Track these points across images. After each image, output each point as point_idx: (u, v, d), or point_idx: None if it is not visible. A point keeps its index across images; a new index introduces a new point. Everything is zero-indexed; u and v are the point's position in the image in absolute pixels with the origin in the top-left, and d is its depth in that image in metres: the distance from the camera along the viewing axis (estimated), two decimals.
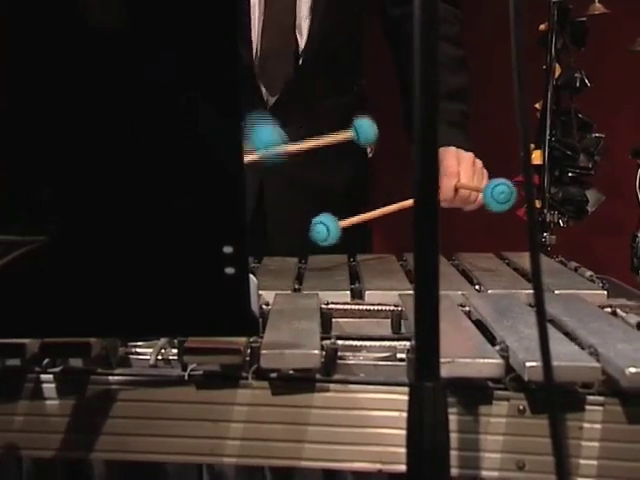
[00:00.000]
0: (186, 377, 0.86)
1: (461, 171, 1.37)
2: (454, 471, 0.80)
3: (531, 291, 0.67)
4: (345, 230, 1.28)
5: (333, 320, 1.05)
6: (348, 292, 1.14)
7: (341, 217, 1.27)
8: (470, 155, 1.40)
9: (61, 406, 0.87)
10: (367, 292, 1.13)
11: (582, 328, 0.93)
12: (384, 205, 1.36)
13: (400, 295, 1.08)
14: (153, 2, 0.65)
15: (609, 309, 1.08)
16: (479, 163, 1.41)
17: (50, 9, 0.65)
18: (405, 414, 0.68)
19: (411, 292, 0.67)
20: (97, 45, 0.66)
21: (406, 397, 0.68)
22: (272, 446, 0.85)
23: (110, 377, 0.88)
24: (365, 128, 1.27)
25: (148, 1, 0.65)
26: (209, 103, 0.66)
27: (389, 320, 1.05)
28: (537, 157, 2.10)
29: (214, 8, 0.64)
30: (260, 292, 1.06)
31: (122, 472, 0.98)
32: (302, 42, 1.51)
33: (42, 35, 0.66)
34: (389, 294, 1.11)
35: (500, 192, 1.22)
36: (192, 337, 0.85)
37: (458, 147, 1.41)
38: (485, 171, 1.42)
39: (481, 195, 1.33)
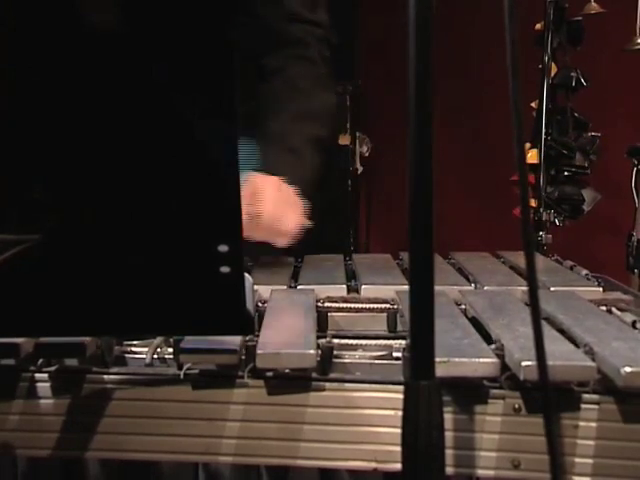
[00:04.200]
0: (182, 376, 0.86)
1: (263, 196, 1.21)
2: (449, 470, 0.80)
3: (526, 288, 0.67)
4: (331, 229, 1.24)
5: (329, 315, 1.05)
6: (344, 287, 1.14)
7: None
8: (275, 180, 1.24)
9: (56, 405, 0.87)
10: (363, 287, 1.13)
11: (577, 326, 0.93)
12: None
13: (397, 292, 1.08)
14: (150, 5, 0.65)
15: (604, 307, 1.08)
16: (289, 191, 1.25)
17: (46, 11, 0.65)
18: (401, 413, 0.68)
19: (407, 288, 0.67)
20: (93, 46, 0.66)
21: (402, 396, 0.68)
22: (268, 445, 0.85)
23: (105, 376, 0.87)
24: None
25: (145, 4, 0.65)
26: (205, 103, 0.66)
27: (385, 314, 1.05)
28: (533, 156, 2.10)
29: (210, 11, 0.64)
30: (256, 287, 1.06)
31: (117, 471, 0.98)
32: None
33: (37, 37, 0.66)
34: (385, 289, 1.11)
35: None
36: (188, 336, 0.85)
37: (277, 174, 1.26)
38: (300, 202, 1.25)
39: (293, 222, 1.21)
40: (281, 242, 1.25)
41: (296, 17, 1.42)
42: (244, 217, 1.19)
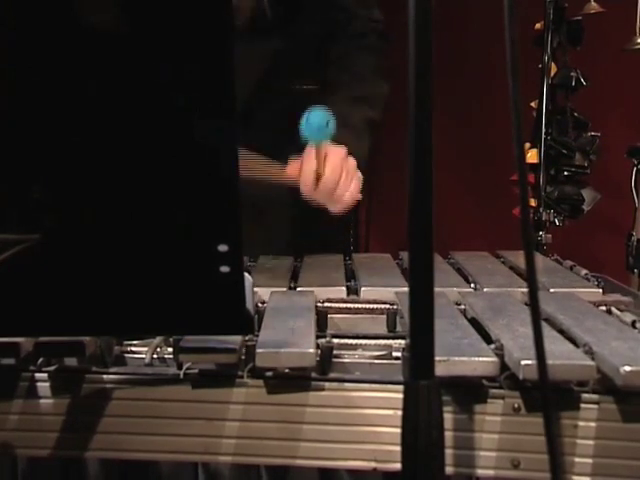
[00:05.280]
0: (181, 376, 0.86)
1: (327, 161, 1.28)
2: (449, 469, 0.80)
3: (526, 289, 0.67)
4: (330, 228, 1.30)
5: (329, 316, 1.05)
6: (344, 288, 1.15)
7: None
8: (342, 149, 1.31)
9: (56, 405, 0.87)
10: (363, 288, 1.13)
11: (577, 326, 0.93)
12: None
13: (396, 293, 1.08)
14: (150, 6, 0.65)
15: (604, 307, 1.08)
16: (352, 162, 1.32)
17: (45, 12, 0.65)
18: (400, 412, 0.68)
19: (407, 289, 0.67)
20: (93, 47, 0.66)
21: (401, 395, 0.68)
22: (267, 444, 0.85)
23: (105, 376, 0.87)
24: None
25: (145, 5, 0.65)
26: (205, 103, 0.66)
27: (385, 316, 1.05)
28: (533, 156, 2.10)
29: (210, 12, 0.64)
30: (255, 289, 1.06)
31: (117, 471, 0.98)
32: None
33: (37, 36, 0.66)
34: (385, 290, 1.11)
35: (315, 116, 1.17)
36: (187, 336, 0.85)
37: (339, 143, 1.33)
38: (359, 175, 1.34)
39: (351, 192, 1.29)
40: (336, 209, 1.33)
41: (356, 14, 1.55)
42: (309, 176, 1.27)
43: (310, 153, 1.29)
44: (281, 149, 1.55)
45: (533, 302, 0.66)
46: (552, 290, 1.14)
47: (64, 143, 0.68)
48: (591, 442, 0.82)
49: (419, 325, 0.66)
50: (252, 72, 1.49)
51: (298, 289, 1.16)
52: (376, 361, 0.91)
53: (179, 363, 0.86)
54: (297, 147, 1.55)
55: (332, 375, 0.87)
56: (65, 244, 0.70)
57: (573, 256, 1.40)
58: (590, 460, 0.82)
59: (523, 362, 0.79)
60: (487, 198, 2.70)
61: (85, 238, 0.69)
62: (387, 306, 1.06)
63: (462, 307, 1.06)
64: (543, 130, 2.09)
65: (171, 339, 0.89)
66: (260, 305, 1.05)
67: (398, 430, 0.68)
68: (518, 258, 1.35)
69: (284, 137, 1.56)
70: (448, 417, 0.80)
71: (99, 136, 0.68)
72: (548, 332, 0.90)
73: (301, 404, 0.85)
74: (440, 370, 0.72)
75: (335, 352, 0.90)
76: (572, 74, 2.11)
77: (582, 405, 0.82)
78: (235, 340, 0.85)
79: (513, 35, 0.63)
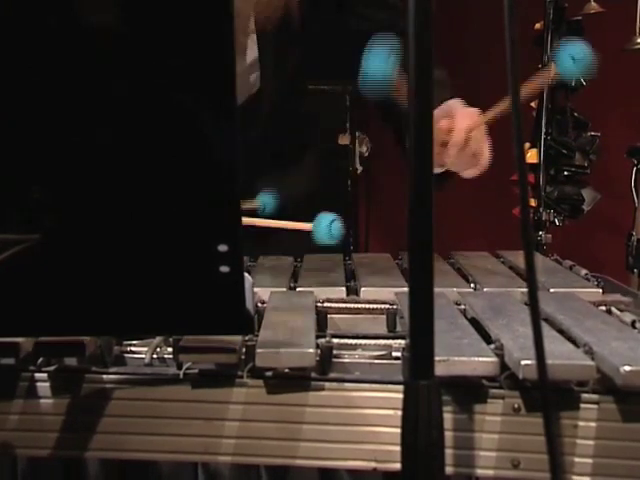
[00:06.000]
0: (181, 376, 0.86)
1: (472, 116, 1.21)
2: (449, 469, 0.80)
3: (526, 289, 0.67)
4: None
5: (329, 316, 1.05)
6: (343, 289, 1.15)
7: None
8: (473, 110, 1.25)
9: (55, 405, 0.87)
10: (362, 289, 1.13)
11: (577, 326, 0.93)
12: None
13: (396, 293, 1.08)
14: (150, 4, 0.65)
15: (604, 307, 1.08)
16: (481, 120, 1.23)
17: (46, 10, 0.65)
18: (400, 412, 0.68)
19: (406, 289, 0.67)
20: (93, 46, 0.66)
21: (401, 395, 0.68)
22: (267, 445, 0.85)
23: (105, 376, 0.87)
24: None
25: (146, 3, 0.65)
26: (206, 102, 0.66)
27: (385, 316, 1.05)
28: (533, 156, 2.11)
29: (210, 10, 0.64)
30: (255, 289, 1.06)
31: (117, 471, 0.98)
32: None
33: (37, 36, 0.66)
34: (384, 291, 1.11)
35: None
36: (187, 336, 0.85)
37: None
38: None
39: (486, 152, 1.18)
40: (470, 174, 1.23)
41: (402, 10, 1.53)
42: (461, 136, 1.16)
43: (463, 111, 1.20)
44: (305, 149, 1.56)
45: (533, 302, 0.66)
46: (552, 290, 1.14)
47: (64, 143, 0.68)
48: (591, 442, 0.82)
49: (419, 325, 0.66)
50: (286, 72, 1.49)
51: (298, 289, 1.16)
52: (376, 361, 0.91)
53: (179, 363, 0.86)
54: (319, 149, 1.57)
55: (332, 375, 0.87)
56: (65, 244, 0.70)
57: (573, 256, 1.40)
58: (590, 460, 0.82)
59: (523, 362, 0.79)
60: (487, 198, 2.70)
61: (85, 238, 0.69)
62: (387, 306, 1.06)
63: (462, 307, 1.06)
64: (543, 130, 2.09)
65: (171, 339, 0.89)
66: (260, 305, 1.05)
67: (398, 430, 0.68)
68: (518, 258, 1.35)
69: (309, 138, 1.58)
70: (448, 417, 0.80)
71: (99, 136, 0.68)
72: (548, 332, 0.90)
73: (301, 404, 0.85)
74: (440, 370, 0.72)
75: (335, 352, 0.90)
76: None
77: (582, 405, 0.82)
78: (235, 340, 0.85)
79: (513, 35, 0.63)
